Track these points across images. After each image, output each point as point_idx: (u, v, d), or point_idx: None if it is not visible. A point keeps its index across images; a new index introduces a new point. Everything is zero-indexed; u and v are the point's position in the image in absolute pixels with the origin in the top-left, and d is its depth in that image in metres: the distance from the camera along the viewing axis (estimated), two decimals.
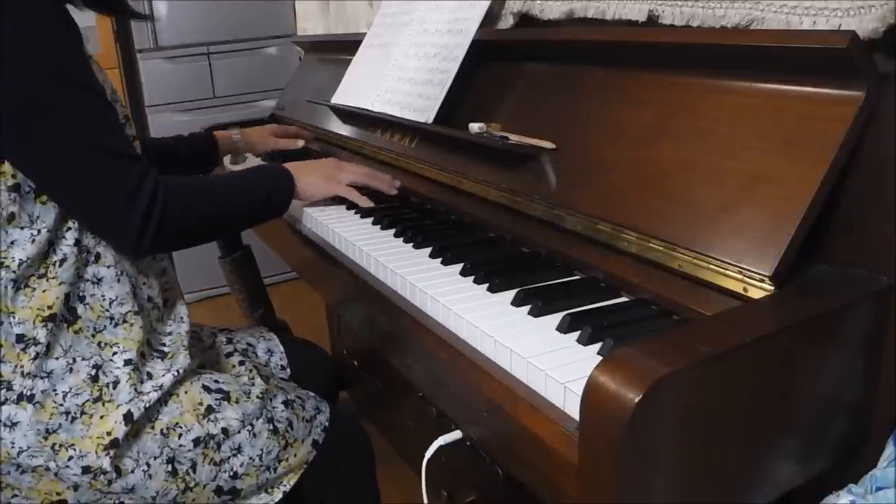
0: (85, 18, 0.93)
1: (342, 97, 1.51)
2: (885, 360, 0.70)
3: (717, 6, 0.87)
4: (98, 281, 0.93)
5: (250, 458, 0.98)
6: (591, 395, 0.55)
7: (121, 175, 0.88)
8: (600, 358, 0.62)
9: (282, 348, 1.25)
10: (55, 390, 0.89)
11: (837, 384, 0.69)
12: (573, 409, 0.62)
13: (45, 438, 0.88)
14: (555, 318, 0.76)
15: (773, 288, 0.67)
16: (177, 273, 1.11)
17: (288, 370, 1.23)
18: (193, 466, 0.94)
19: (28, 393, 0.88)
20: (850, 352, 0.69)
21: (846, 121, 0.67)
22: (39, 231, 0.88)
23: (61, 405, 0.89)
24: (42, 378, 0.89)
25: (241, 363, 1.12)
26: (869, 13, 0.71)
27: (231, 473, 0.97)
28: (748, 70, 0.77)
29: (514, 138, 1.01)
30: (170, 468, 0.93)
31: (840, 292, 0.68)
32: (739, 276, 0.69)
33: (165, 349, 1.00)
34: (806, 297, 0.67)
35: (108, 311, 0.94)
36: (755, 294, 0.68)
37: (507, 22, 1.24)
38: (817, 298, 0.67)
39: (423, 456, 0.93)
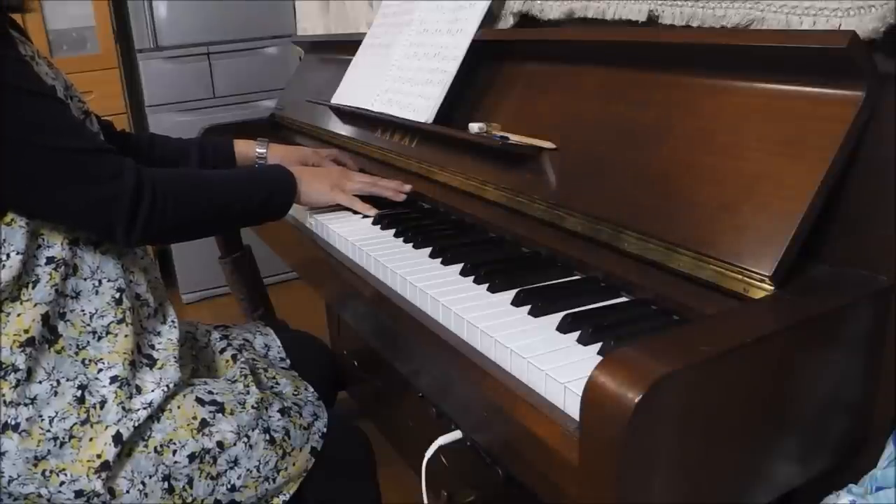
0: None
1: (342, 97, 1.51)
2: (885, 360, 0.70)
3: (717, 6, 0.87)
4: (77, 295, 0.92)
5: (248, 470, 0.97)
6: (591, 395, 0.55)
7: (94, 171, 0.87)
8: (600, 358, 0.62)
9: (279, 342, 1.25)
10: (41, 416, 0.88)
11: (837, 384, 0.69)
12: (573, 409, 0.62)
13: (35, 466, 0.87)
14: (555, 318, 0.76)
15: (773, 288, 0.67)
16: (177, 273, 1.11)
17: (287, 360, 1.23)
18: (190, 482, 0.93)
19: (13, 422, 0.87)
20: (850, 352, 0.69)
21: (846, 121, 0.67)
22: (9, 255, 0.86)
23: (48, 431, 0.88)
24: (26, 405, 0.88)
25: (236, 359, 1.11)
26: (869, 13, 0.71)
27: (229, 486, 0.96)
28: (748, 70, 0.77)
29: (514, 138, 1.01)
30: (166, 486, 0.92)
31: (840, 292, 0.68)
32: (740, 276, 0.69)
33: (156, 355, 0.99)
34: (806, 297, 0.67)
35: (89, 325, 0.92)
36: (755, 294, 0.68)
37: (507, 22, 1.24)
38: (817, 298, 0.67)
39: (423, 456, 0.93)
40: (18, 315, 0.88)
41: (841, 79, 0.68)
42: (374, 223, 1.15)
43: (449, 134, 1.15)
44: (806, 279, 0.70)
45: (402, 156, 1.29)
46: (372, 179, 1.22)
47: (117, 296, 0.95)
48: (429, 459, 0.93)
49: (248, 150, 1.36)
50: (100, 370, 0.92)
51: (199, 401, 0.97)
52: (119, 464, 0.90)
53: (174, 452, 0.93)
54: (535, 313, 0.78)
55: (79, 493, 0.88)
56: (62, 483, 0.87)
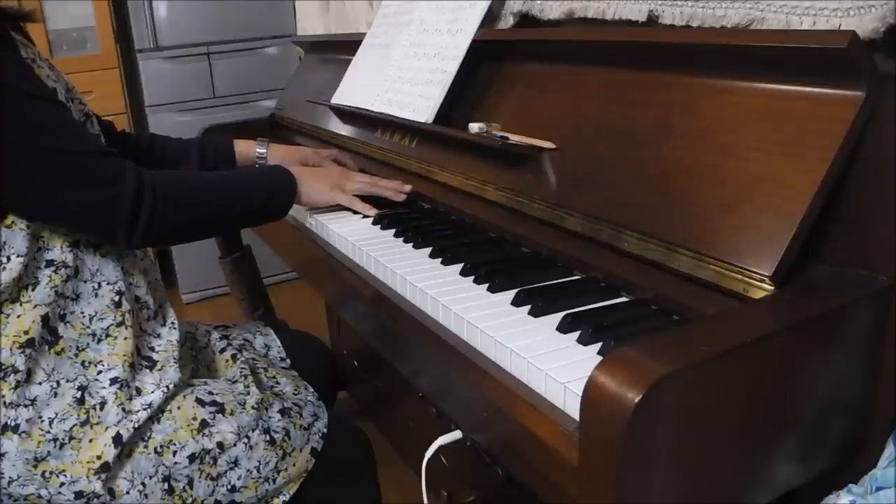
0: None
1: (342, 97, 1.51)
2: (885, 360, 0.70)
3: (717, 6, 0.87)
4: (76, 297, 0.92)
5: (248, 470, 0.97)
6: (591, 394, 0.55)
7: (94, 173, 0.87)
8: (600, 358, 0.62)
9: (279, 342, 1.25)
10: (41, 417, 0.88)
11: (837, 384, 0.69)
12: (573, 409, 0.62)
13: (35, 467, 0.87)
14: (555, 318, 0.76)
15: (773, 288, 0.67)
16: (177, 273, 1.11)
17: (287, 360, 1.23)
18: (190, 483, 0.93)
19: (12, 423, 0.87)
20: (850, 352, 0.69)
21: (846, 121, 0.67)
22: (9, 258, 0.86)
23: (48, 432, 0.88)
24: (26, 406, 0.88)
25: (236, 359, 1.11)
26: (869, 13, 0.71)
27: (229, 487, 0.96)
28: (748, 70, 0.77)
29: (514, 138, 1.01)
30: (166, 486, 0.92)
31: (840, 292, 0.68)
32: (740, 276, 0.69)
33: (155, 357, 0.98)
34: (806, 297, 0.67)
35: (89, 327, 0.92)
36: (755, 294, 0.68)
37: (507, 22, 1.24)
38: (817, 298, 0.67)
39: (423, 456, 0.93)
40: (18, 316, 0.88)
41: (841, 79, 0.68)
42: (374, 223, 1.15)
43: (449, 134, 1.15)
44: (806, 279, 0.70)
45: (402, 156, 1.29)
46: (372, 179, 1.22)
47: (117, 298, 0.95)
48: (429, 459, 0.93)
49: (248, 150, 1.36)
50: (99, 372, 0.92)
51: (199, 401, 0.97)
52: (119, 465, 0.90)
53: (174, 453, 0.93)
54: (535, 313, 0.78)
55: (79, 495, 0.88)
56: (62, 484, 0.87)
